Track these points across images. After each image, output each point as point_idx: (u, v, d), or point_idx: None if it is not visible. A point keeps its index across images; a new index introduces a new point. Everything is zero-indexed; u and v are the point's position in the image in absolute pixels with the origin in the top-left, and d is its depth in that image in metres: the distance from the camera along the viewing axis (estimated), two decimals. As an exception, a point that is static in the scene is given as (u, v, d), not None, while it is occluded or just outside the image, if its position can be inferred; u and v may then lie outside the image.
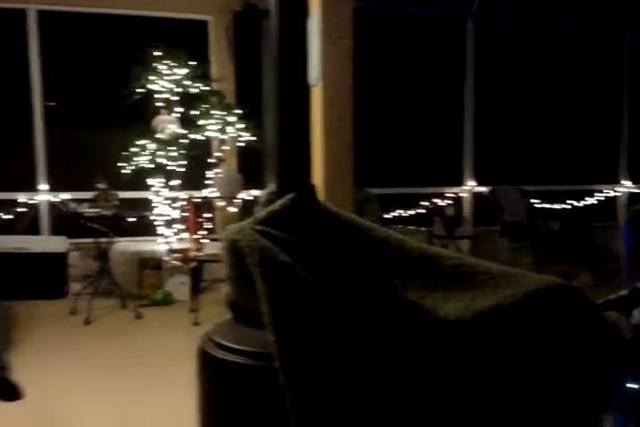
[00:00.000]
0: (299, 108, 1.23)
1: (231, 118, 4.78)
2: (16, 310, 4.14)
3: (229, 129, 4.79)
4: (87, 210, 4.16)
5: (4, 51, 4.89)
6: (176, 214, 4.84)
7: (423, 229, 5.24)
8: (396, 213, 5.83)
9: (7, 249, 4.40)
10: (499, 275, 1.21)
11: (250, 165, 5.32)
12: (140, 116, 4.70)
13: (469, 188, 6.25)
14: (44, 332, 3.79)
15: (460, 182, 6.25)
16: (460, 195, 6.20)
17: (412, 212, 5.91)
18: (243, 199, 4.90)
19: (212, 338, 1.24)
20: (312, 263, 1.19)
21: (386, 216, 5.57)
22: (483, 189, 6.06)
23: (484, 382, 1.13)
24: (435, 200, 5.96)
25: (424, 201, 5.95)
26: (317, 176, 2.56)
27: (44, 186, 5.01)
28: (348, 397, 1.11)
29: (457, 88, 6.19)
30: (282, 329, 1.12)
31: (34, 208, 4.98)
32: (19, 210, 4.90)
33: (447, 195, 6.08)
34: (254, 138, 4.90)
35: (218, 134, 4.83)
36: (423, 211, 5.93)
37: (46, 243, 4.77)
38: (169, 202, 4.81)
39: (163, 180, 4.75)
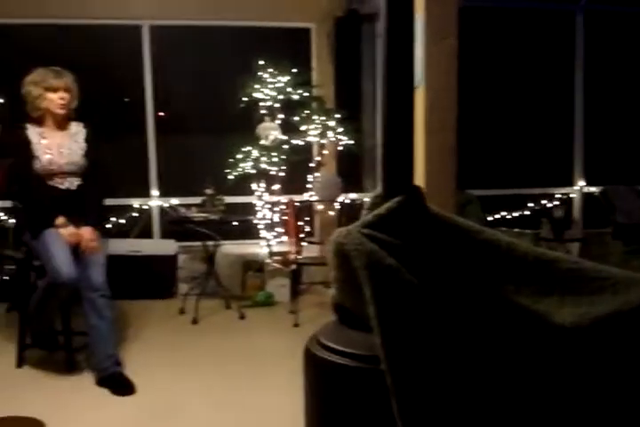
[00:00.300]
0: (404, 109, 1.22)
1: (331, 123, 4.84)
2: (129, 308, 4.41)
3: (329, 133, 4.86)
4: (195, 214, 4.34)
5: (126, 64, 5.22)
6: (277, 218, 4.97)
7: (529, 231, 5.03)
8: (499, 216, 5.66)
9: (122, 252, 4.67)
10: (619, 280, 1.15)
11: (349, 169, 5.36)
12: (246, 123, 4.86)
13: (579, 188, 5.97)
14: (155, 330, 3.98)
15: (569, 182, 5.97)
16: (570, 195, 5.93)
17: (517, 214, 5.72)
18: (342, 203, 4.93)
19: (319, 339, 1.25)
20: (419, 267, 1.18)
21: (488, 219, 5.42)
22: (593, 189, 5.79)
23: (599, 389, 1.08)
24: (542, 201, 5.75)
25: (530, 202, 5.75)
26: (419, 178, 2.53)
27: (155, 192, 5.29)
28: (457, 402, 1.09)
29: (566, 85, 5.91)
30: (388, 332, 1.11)
31: (146, 213, 5.27)
32: (133, 215, 5.20)
33: (555, 195, 5.84)
34: (353, 142, 4.93)
35: (318, 139, 4.91)
36: (529, 213, 5.73)
37: (157, 246, 5.03)
38: (270, 206, 4.95)
39: (265, 184, 4.89)
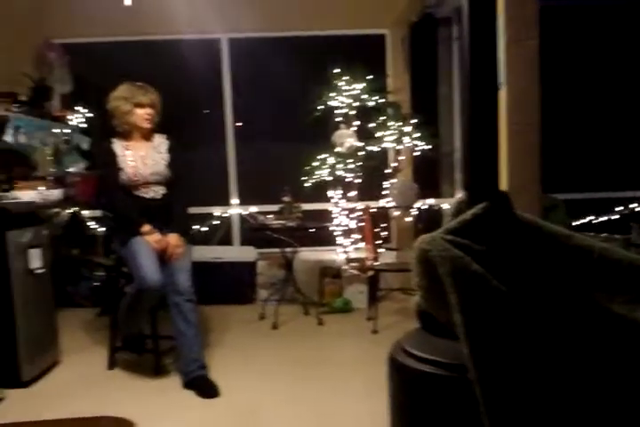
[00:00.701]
0: (487, 112, 1.19)
1: (407, 128, 4.81)
2: (211, 313, 4.53)
3: (405, 139, 4.82)
4: (274, 222, 4.41)
5: (205, 76, 5.41)
6: (353, 225, 4.97)
7: (618, 236, 4.78)
8: (585, 220, 5.42)
9: (204, 259, 4.81)
10: None
11: (425, 175, 5.29)
12: (321, 131, 4.91)
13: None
14: (236, 334, 4.07)
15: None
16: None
17: (605, 218, 5.45)
18: (418, 209, 4.88)
19: (403, 347, 1.24)
20: (506, 274, 1.15)
21: (574, 224, 5.19)
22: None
23: None
24: (631, 205, 5.45)
25: (619, 206, 5.47)
26: (502, 182, 2.46)
27: (235, 200, 5.43)
28: (548, 414, 1.05)
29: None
30: (476, 341, 1.09)
31: (226, 221, 5.41)
32: (213, 223, 5.35)
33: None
34: (429, 147, 4.88)
35: (394, 145, 4.89)
36: (617, 217, 5.44)
37: (237, 253, 5.15)
38: (347, 213, 4.96)
39: (341, 191, 4.92)
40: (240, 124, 5.45)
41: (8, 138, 3.50)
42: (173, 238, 3.12)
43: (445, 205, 5.32)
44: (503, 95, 2.71)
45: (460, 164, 5.36)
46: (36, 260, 3.24)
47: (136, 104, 3.14)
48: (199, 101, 5.47)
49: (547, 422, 1.04)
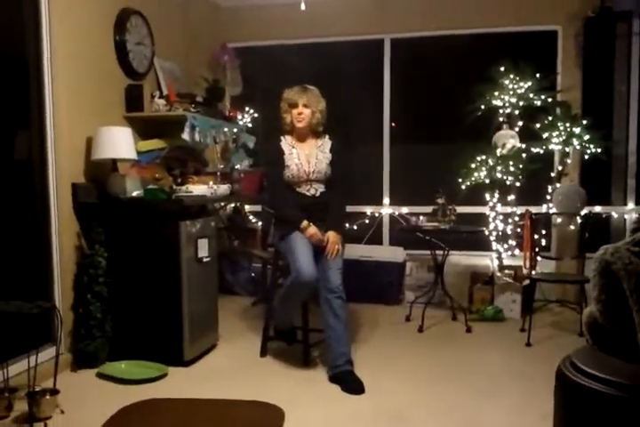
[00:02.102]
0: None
1: (577, 130, 4.50)
2: (358, 311, 4.58)
3: (574, 141, 4.52)
4: (426, 223, 4.35)
5: (366, 77, 5.48)
6: (509, 230, 4.76)
7: None
8: None
9: (355, 257, 4.87)
10: None
11: (594, 180, 4.92)
12: (482, 132, 4.76)
13: None
14: (382, 334, 4.08)
15: None
16: None
17: None
18: (585, 216, 4.55)
19: (574, 362, 1.16)
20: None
21: None
22: None
23: None
24: None
25: None
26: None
27: (386, 200, 5.45)
28: None
29: None
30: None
31: (377, 220, 5.44)
32: (365, 221, 5.41)
33: None
34: (601, 150, 4.52)
35: (561, 147, 4.60)
36: None
37: (387, 253, 5.15)
38: (503, 217, 4.76)
39: (498, 195, 4.73)
40: (394, 124, 5.44)
41: (185, 136, 3.81)
42: (332, 236, 3.21)
43: (615, 214, 4.91)
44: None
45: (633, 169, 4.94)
46: (203, 249, 3.50)
47: (290, 104, 3.27)
48: (359, 102, 5.55)
49: None
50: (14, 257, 3.15)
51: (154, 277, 3.34)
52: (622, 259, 1.02)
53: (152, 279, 3.35)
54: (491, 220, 4.78)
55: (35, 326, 2.81)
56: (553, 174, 4.77)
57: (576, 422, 1.12)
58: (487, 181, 4.66)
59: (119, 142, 3.42)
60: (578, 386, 1.10)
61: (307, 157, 3.29)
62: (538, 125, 4.63)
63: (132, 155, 3.54)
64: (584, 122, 4.55)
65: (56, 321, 2.86)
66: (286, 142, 3.34)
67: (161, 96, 3.96)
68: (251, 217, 5.56)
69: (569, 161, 4.76)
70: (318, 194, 3.29)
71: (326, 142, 3.36)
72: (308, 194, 3.28)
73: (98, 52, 3.66)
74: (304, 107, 3.25)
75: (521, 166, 4.56)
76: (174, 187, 3.60)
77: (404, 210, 5.30)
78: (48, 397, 2.64)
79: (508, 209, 4.75)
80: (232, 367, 3.38)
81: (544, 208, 4.73)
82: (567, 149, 4.66)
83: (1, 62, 3.16)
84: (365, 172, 5.44)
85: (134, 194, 3.49)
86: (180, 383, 3.11)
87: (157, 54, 4.34)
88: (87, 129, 3.47)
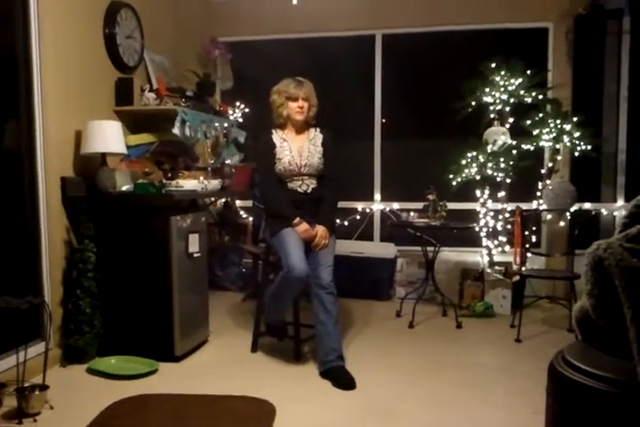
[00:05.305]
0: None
1: (567, 126, 4.52)
2: (349, 307, 4.59)
3: (564, 138, 4.54)
4: (417, 220, 4.36)
5: (357, 72, 5.47)
6: (500, 226, 4.78)
7: None
8: None
9: (345, 252, 4.87)
10: None
11: (584, 177, 4.95)
12: (471, 128, 4.77)
13: None
14: (373, 330, 4.09)
15: None
16: None
17: None
18: (574, 213, 4.57)
19: (566, 358, 1.16)
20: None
21: None
22: None
23: None
24: None
25: None
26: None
27: (377, 196, 5.45)
28: None
29: None
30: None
31: (368, 216, 5.44)
32: (356, 217, 5.41)
33: None
34: (591, 147, 4.54)
35: (551, 144, 4.62)
36: None
37: (378, 249, 5.16)
38: (494, 214, 4.78)
39: (489, 191, 4.74)
40: (385, 120, 5.44)
41: (175, 130, 3.79)
42: (321, 230, 3.21)
43: (605, 211, 4.94)
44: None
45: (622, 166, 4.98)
46: (194, 244, 3.48)
47: (288, 97, 3.25)
48: (350, 98, 5.53)
49: None
50: (2, 252, 3.12)
51: (144, 272, 3.33)
52: (615, 255, 1.02)
53: (142, 274, 3.33)
54: (481, 216, 4.79)
55: (24, 322, 2.79)
56: (543, 171, 4.79)
57: (568, 417, 1.13)
58: (478, 177, 4.67)
59: (109, 136, 3.39)
60: (570, 382, 1.10)
61: (298, 150, 3.28)
62: (528, 122, 4.64)
63: (122, 149, 3.51)
64: (574, 119, 4.57)
65: (45, 316, 2.84)
66: (277, 135, 3.33)
67: (151, 90, 3.93)
68: (241, 212, 5.55)
69: (559, 158, 4.79)
70: (310, 190, 3.28)
71: (317, 136, 3.35)
72: (299, 190, 3.27)
73: (87, 46, 3.63)
74: (303, 100, 3.25)
75: (511, 163, 4.57)
76: (164, 181, 3.57)
77: (395, 206, 5.31)
78: (37, 392, 2.62)
79: (499, 205, 4.77)
80: (223, 363, 3.38)
81: (534, 205, 4.75)
82: (557, 146, 4.68)
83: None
84: (356, 168, 5.44)
85: (124, 188, 3.46)
86: (170, 379, 3.10)
87: (147, 48, 4.30)
88: (76, 122, 3.44)
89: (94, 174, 3.41)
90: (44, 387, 2.66)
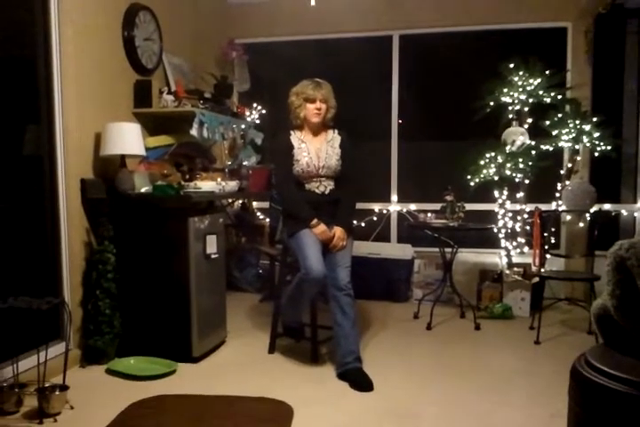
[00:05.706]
0: None
1: (586, 127, 4.47)
2: (366, 308, 4.58)
3: (584, 138, 4.49)
4: (434, 221, 4.33)
5: (374, 73, 5.46)
6: (518, 227, 4.74)
7: None
8: None
9: (362, 254, 4.86)
10: None
11: (604, 177, 4.89)
12: (490, 129, 4.74)
13: None
14: (390, 331, 4.07)
15: None
16: None
17: None
18: (594, 213, 4.52)
19: (589, 361, 1.15)
20: None
21: None
22: None
23: None
24: None
25: None
26: None
27: (394, 197, 5.43)
28: None
29: None
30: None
31: (385, 217, 5.42)
32: (373, 218, 5.40)
33: None
34: (610, 147, 4.49)
35: (570, 144, 4.57)
36: None
37: (395, 250, 5.14)
38: (512, 215, 4.74)
39: (507, 192, 4.71)
40: (400, 121, 5.42)
41: (193, 132, 3.81)
42: (338, 231, 3.21)
43: (624, 212, 4.88)
44: None
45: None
46: (212, 245, 3.50)
47: (306, 99, 3.25)
48: (368, 99, 5.53)
49: None
50: (23, 253, 3.16)
51: (162, 273, 3.35)
52: (637, 255, 1.00)
53: (161, 275, 3.35)
54: (500, 217, 4.76)
55: (44, 322, 2.82)
56: (562, 172, 4.75)
57: (590, 420, 1.11)
58: (496, 178, 4.64)
59: (128, 138, 3.42)
60: (593, 384, 1.09)
61: (316, 152, 3.28)
62: (547, 123, 4.60)
63: (141, 151, 3.54)
64: (594, 119, 4.52)
65: (65, 317, 2.87)
66: (295, 137, 3.33)
67: (169, 92, 3.96)
68: (258, 214, 5.56)
69: (578, 158, 4.74)
70: (328, 191, 3.27)
71: (335, 137, 3.35)
72: (317, 191, 3.27)
73: (106, 48, 3.66)
74: (321, 102, 3.24)
75: (530, 164, 4.53)
76: (182, 183, 3.60)
77: (413, 207, 5.29)
78: (57, 392, 2.65)
79: (518, 206, 4.73)
80: (241, 364, 3.39)
81: (553, 206, 4.71)
82: (577, 147, 4.63)
83: (11, 59, 3.16)
84: (373, 168, 5.42)
85: (143, 190, 3.49)
86: (188, 380, 3.12)
87: (166, 50, 4.34)
88: (96, 125, 3.48)
89: (113, 176, 3.45)
90: (64, 387, 2.69)
